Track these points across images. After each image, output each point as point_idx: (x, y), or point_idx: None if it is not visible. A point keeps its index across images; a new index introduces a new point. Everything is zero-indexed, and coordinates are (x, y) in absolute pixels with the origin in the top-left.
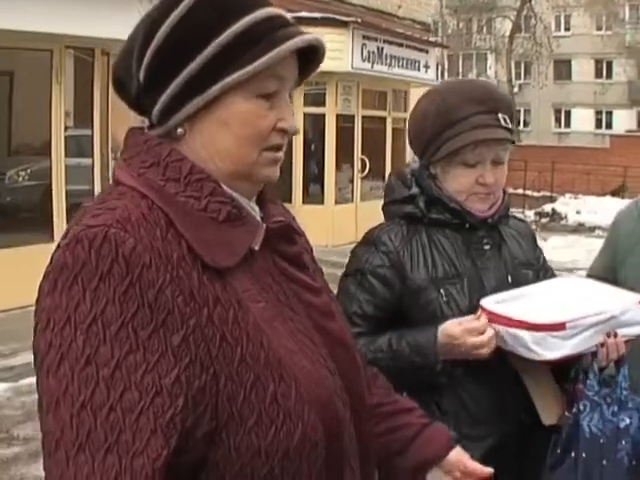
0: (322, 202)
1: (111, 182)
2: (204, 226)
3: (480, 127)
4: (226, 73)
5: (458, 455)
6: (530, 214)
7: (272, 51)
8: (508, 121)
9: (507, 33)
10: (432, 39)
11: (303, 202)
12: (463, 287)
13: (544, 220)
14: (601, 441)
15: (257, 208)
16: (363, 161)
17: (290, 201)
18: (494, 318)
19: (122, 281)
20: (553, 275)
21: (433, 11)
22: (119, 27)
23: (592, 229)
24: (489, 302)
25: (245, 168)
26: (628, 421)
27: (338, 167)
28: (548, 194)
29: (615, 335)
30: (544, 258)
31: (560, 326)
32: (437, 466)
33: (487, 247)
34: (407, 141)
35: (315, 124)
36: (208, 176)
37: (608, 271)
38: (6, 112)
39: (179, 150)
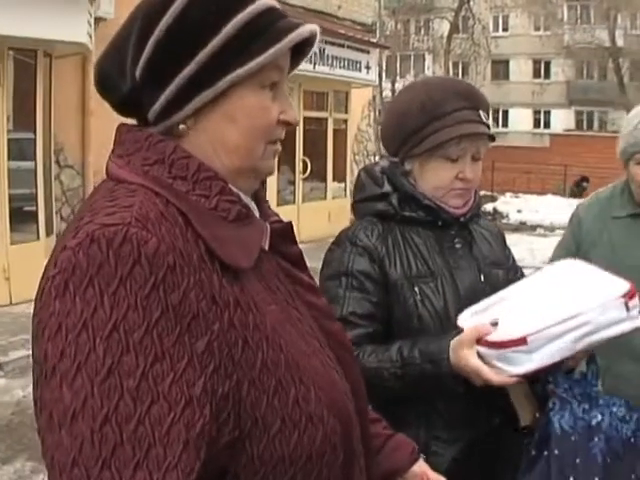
0: None
1: (107, 179)
2: (217, 225)
3: (465, 122)
4: (236, 65)
5: (422, 467)
6: None
7: (281, 41)
8: (486, 118)
9: (445, 34)
10: (373, 40)
11: None
12: (437, 286)
13: None
14: (572, 438)
15: (256, 207)
16: (304, 162)
17: None
18: None
19: (144, 284)
20: (522, 274)
21: (372, 12)
22: (62, 29)
23: (533, 227)
24: (465, 317)
25: (251, 163)
26: (600, 418)
27: (279, 168)
28: (489, 193)
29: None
30: (513, 258)
31: (521, 341)
32: (401, 477)
33: (459, 245)
34: (348, 142)
35: None
36: (216, 174)
37: None
38: None
39: (184, 147)
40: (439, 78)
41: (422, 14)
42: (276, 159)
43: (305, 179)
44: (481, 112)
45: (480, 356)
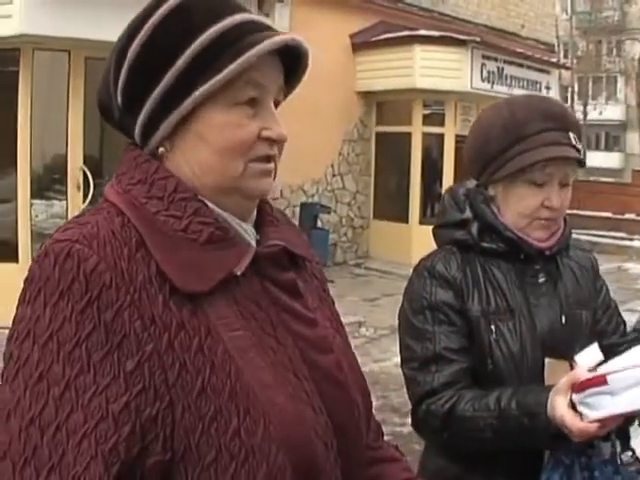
0: None
1: None
2: (181, 248)
3: (552, 144)
4: (199, 84)
5: None
6: None
7: (241, 57)
8: (578, 141)
9: (637, 56)
10: (554, 60)
11: (420, 222)
12: (515, 325)
13: None
14: None
15: (252, 230)
16: None
17: (407, 221)
18: None
19: (80, 299)
20: (616, 309)
21: (563, 32)
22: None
23: None
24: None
25: (230, 181)
26: None
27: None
28: None
29: None
30: (607, 291)
31: (600, 379)
32: None
33: (542, 280)
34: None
35: (434, 144)
36: (194, 195)
37: None
38: None
39: (167, 167)
40: (525, 96)
41: (613, 35)
42: (270, 179)
43: None
44: (571, 134)
45: (573, 405)
